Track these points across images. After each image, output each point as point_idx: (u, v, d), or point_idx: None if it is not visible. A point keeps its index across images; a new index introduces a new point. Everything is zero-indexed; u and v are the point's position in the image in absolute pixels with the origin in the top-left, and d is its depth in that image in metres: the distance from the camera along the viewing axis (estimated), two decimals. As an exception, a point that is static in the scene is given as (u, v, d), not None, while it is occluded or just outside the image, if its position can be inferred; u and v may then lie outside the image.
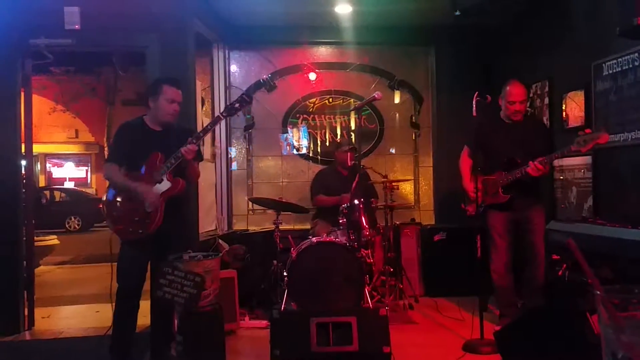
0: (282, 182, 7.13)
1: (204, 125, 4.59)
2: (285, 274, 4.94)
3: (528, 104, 5.82)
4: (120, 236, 3.94)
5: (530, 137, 4.71)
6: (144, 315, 4.21)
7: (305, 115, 7.13)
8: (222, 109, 6.69)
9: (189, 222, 4.54)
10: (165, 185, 3.87)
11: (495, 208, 4.76)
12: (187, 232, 4.28)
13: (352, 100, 7.13)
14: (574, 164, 5.11)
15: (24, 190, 5.34)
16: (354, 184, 5.28)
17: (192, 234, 5.01)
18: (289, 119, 7.12)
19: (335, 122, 7.17)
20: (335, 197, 5.84)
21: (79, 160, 25.65)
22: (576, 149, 4.21)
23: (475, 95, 4.51)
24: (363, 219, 5.11)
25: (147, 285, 4.09)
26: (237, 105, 4.09)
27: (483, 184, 4.62)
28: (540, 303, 4.55)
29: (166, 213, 3.90)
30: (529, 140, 4.68)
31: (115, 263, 3.94)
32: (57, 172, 25.57)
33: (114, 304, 3.96)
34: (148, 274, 4.04)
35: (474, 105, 4.48)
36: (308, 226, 6.22)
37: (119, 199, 3.96)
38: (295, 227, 6.61)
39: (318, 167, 6.81)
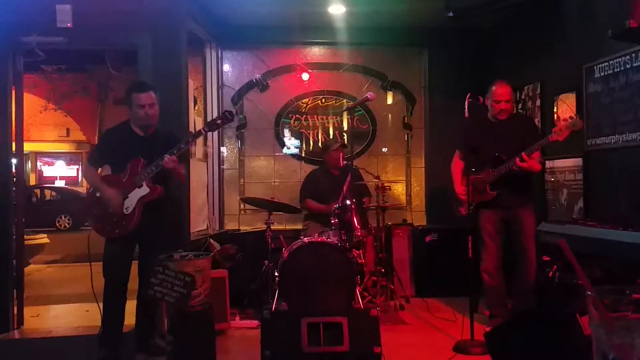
0: (274, 182, 7.11)
1: (196, 129, 4.69)
2: (276, 273, 4.93)
3: (520, 105, 5.86)
4: (99, 234, 4.10)
5: (516, 134, 4.74)
6: (132, 315, 4.25)
7: (297, 115, 7.12)
8: (215, 109, 6.80)
9: (176, 223, 4.63)
10: (144, 190, 4.04)
11: (484, 206, 4.80)
12: (171, 234, 4.35)
13: (344, 100, 7.13)
14: (565, 165, 5.13)
15: (14, 189, 5.31)
16: (345, 186, 5.27)
17: (181, 235, 5.00)
18: (282, 118, 7.11)
19: (328, 122, 7.16)
20: (324, 206, 5.84)
21: (70, 159, 25.48)
22: (554, 138, 4.35)
23: (468, 96, 4.53)
24: (355, 219, 5.11)
25: (134, 285, 4.18)
26: (219, 121, 4.28)
27: (472, 183, 4.65)
28: (531, 304, 4.57)
29: (145, 216, 4.05)
30: (516, 137, 4.71)
31: (91, 264, 4.11)
32: (48, 171, 25.40)
33: (98, 303, 4.11)
34: (135, 274, 4.19)
35: (466, 107, 4.50)
36: (300, 226, 6.21)
37: (99, 199, 4.09)
38: (286, 227, 6.60)
39: (310, 168, 6.79)
